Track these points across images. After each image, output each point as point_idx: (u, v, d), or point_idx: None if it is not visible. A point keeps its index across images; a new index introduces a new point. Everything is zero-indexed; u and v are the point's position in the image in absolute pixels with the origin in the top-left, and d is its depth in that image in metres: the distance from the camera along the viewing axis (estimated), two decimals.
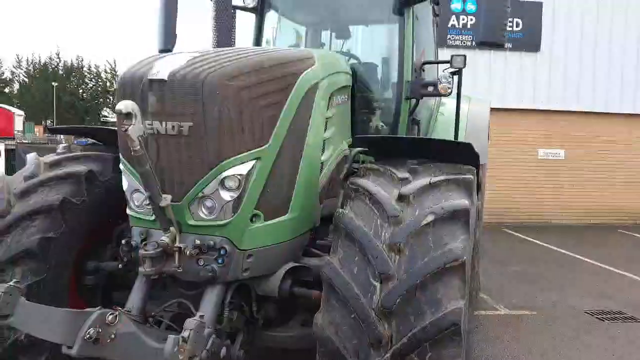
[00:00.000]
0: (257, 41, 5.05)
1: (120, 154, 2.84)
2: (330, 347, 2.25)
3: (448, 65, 4.57)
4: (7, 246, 2.94)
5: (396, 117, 4.46)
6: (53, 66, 55.54)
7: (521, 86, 12.52)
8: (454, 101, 5.71)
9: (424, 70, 4.75)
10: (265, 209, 2.77)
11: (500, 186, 12.55)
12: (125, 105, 2.22)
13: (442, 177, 2.62)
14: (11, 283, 2.43)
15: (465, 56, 4.24)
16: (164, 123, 2.53)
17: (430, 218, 2.37)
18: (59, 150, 3.59)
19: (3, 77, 55.07)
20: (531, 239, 10.93)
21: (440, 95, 4.27)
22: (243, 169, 2.60)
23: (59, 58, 55.83)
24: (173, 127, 2.53)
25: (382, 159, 3.17)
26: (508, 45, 12.15)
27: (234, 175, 2.59)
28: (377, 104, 4.67)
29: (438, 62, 4.53)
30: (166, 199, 2.51)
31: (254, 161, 2.65)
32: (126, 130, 2.21)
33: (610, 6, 12.48)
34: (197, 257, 2.64)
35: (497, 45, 3.89)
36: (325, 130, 3.43)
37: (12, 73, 55.76)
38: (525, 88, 12.53)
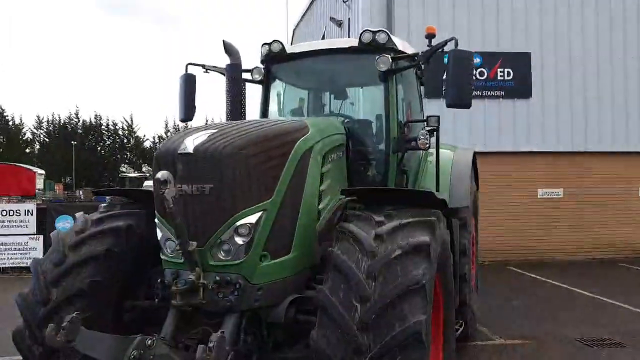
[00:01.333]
0: (264, 109, 5.86)
1: (155, 211, 3.57)
2: (323, 355, 2.88)
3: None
4: (63, 289, 3.67)
5: (386, 169, 5.17)
6: (72, 125, 57.99)
7: (516, 130, 13.27)
8: (445, 152, 6.47)
9: (408, 127, 5.47)
10: (272, 250, 3.47)
11: (503, 226, 13.11)
12: (162, 174, 2.99)
13: (409, 220, 3.30)
14: (74, 315, 3.14)
15: (438, 117, 5.00)
16: (190, 185, 3.29)
17: (398, 252, 3.04)
18: (101, 209, 4.35)
19: (25, 138, 57.54)
20: (533, 275, 11.34)
21: (419, 149, 4.99)
22: (253, 218, 3.33)
23: (77, 118, 58.39)
24: (197, 188, 3.28)
25: (371, 205, 3.85)
26: (501, 93, 13.03)
27: (245, 224, 3.32)
28: (371, 156, 5.39)
29: (417, 121, 5.29)
30: (192, 245, 3.21)
31: (261, 212, 3.38)
32: (163, 193, 2.96)
33: (595, 56, 13.35)
34: (217, 291, 3.31)
35: (465, 107, 4.64)
36: (321, 183, 4.16)
37: (33, 134, 58.35)
38: (520, 132, 13.27)
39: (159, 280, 3.59)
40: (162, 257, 3.58)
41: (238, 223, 3.31)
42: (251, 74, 5.71)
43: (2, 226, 11.20)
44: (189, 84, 5.65)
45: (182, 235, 3.18)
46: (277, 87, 5.97)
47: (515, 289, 10.01)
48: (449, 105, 4.67)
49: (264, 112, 5.87)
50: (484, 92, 12.83)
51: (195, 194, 3.29)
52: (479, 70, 12.73)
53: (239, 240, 3.32)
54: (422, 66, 6.06)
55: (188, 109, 5.63)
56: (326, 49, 5.47)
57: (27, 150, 56.93)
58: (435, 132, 5.15)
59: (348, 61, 5.52)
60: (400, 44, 5.32)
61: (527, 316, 7.77)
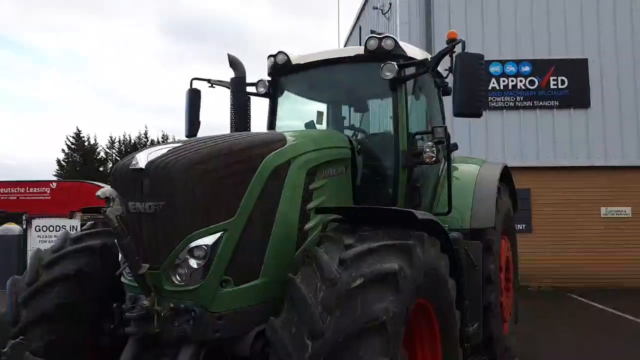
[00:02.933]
0: (271, 123, 5.60)
1: None
2: None
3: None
4: (32, 310, 3.50)
5: (395, 185, 4.74)
6: (141, 144, 60.98)
7: (573, 143, 12.23)
8: (470, 167, 5.92)
9: (420, 140, 4.99)
10: (235, 275, 3.12)
11: (562, 248, 12.04)
12: (102, 191, 2.77)
13: (380, 243, 2.86)
14: (17, 340, 2.95)
15: (445, 127, 4.49)
16: (143, 203, 3.03)
17: (359, 281, 2.61)
18: (84, 227, 4.22)
19: (99, 158, 61.24)
20: (596, 304, 10.23)
21: (425, 163, 4.52)
22: (209, 239, 3.01)
23: (146, 137, 61.40)
24: (150, 206, 3.01)
25: (354, 225, 3.45)
26: (555, 103, 12.08)
27: (200, 245, 3.00)
28: (380, 171, 4.98)
29: (422, 133, 4.81)
30: (144, 268, 2.95)
31: (220, 233, 3.05)
32: (104, 212, 2.72)
33: None
34: (172, 319, 3.01)
35: (473, 115, 4.14)
36: (309, 200, 3.80)
37: (106, 153, 61.97)
38: (578, 145, 12.22)
39: (115, 304, 3.35)
40: (123, 279, 3.35)
41: (192, 244, 3.00)
42: (256, 87, 5.48)
43: (43, 241, 11.56)
44: (193, 99, 5.51)
45: (129, 257, 2.93)
46: (286, 100, 5.71)
47: (572, 320, 9.03)
48: (456, 114, 4.18)
49: (271, 126, 5.62)
50: (534, 102, 11.95)
51: (148, 212, 3.03)
52: (528, 79, 11.90)
53: (194, 263, 3.01)
54: (442, 74, 5.62)
55: (192, 125, 5.48)
56: (332, 59, 5.14)
57: (101, 169, 60.49)
58: (444, 145, 4.62)
59: (355, 70, 5.16)
60: (410, 50, 4.90)
61: (576, 353, 6.90)
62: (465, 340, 4.18)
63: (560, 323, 8.58)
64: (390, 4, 13.11)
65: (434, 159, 4.46)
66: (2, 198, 23.66)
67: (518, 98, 11.97)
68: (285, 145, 3.59)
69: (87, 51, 69.36)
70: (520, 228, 11.71)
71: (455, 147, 5.87)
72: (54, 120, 68.03)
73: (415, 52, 4.97)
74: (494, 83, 11.96)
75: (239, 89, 5.37)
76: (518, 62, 11.98)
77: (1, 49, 67.95)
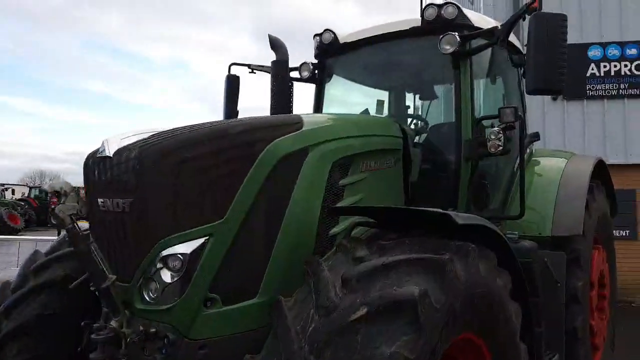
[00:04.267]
0: (317, 112, 5.00)
1: None
2: None
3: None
4: (13, 320, 3.09)
5: (455, 182, 3.96)
6: None
7: None
8: (555, 161, 4.97)
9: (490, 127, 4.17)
10: (224, 292, 2.50)
11: None
12: (51, 185, 2.27)
13: (401, 257, 2.12)
14: None
15: (515, 108, 3.60)
16: (111, 200, 2.52)
17: (362, 311, 1.90)
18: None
19: None
20: None
21: (491, 154, 3.68)
22: (187, 246, 2.41)
23: None
24: (118, 203, 2.49)
25: (394, 230, 2.76)
26: None
27: (175, 254, 2.41)
28: (439, 165, 4.22)
29: (488, 118, 3.93)
30: (110, 280, 2.44)
31: (204, 238, 2.45)
32: (53, 209, 2.25)
33: None
34: (142, 345, 2.45)
35: (553, 92, 3.26)
36: (340, 198, 3.16)
37: None
38: None
39: (83, 322, 2.86)
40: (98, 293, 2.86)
41: (164, 253, 2.41)
42: (299, 72, 4.90)
43: None
44: (232, 86, 5.04)
45: (90, 266, 2.43)
46: (337, 85, 5.07)
47: None
48: (530, 92, 3.33)
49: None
50: None
51: (116, 211, 2.50)
52: (635, 63, 10.24)
53: (168, 276, 2.42)
54: (520, 49, 4.71)
55: (230, 114, 5.01)
56: (386, 34, 4.41)
57: None
58: (516, 131, 3.73)
59: (413, 47, 4.40)
60: (477, 18, 4.07)
61: None
62: None
63: None
64: None
65: (501, 147, 3.61)
66: None
67: (622, 86, 10.36)
68: (302, 129, 2.91)
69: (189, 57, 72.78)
70: (623, 235, 10.17)
71: (536, 137, 4.95)
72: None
73: (484, 20, 4.13)
74: (593, 69, 10.44)
75: (280, 72, 4.83)
76: (622, 45, 10.38)
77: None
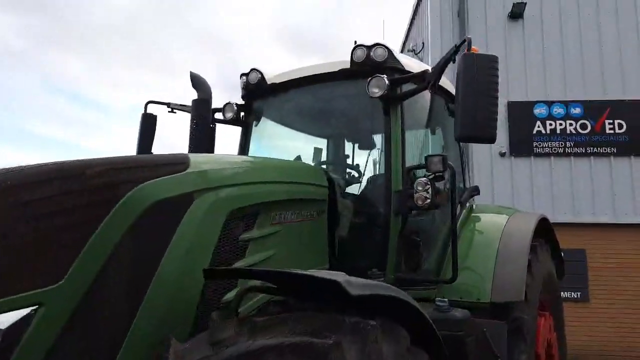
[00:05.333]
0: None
1: None
2: None
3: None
4: None
5: (384, 238, 3.52)
6: None
7: (637, 196, 10.45)
8: (495, 217, 4.64)
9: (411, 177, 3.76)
10: None
11: (629, 323, 10.07)
12: None
13: (270, 342, 1.60)
14: None
15: (443, 156, 3.22)
16: None
17: None
18: None
19: None
20: None
21: (418, 208, 3.27)
22: (2, 319, 1.80)
23: None
24: None
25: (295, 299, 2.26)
26: (612, 149, 10.46)
27: None
28: (371, 220, 3.79)
29: (416, 168, 3.56)
30: None
31: (33, 307, 1.86)
32: None
33: None
34: None
35: (484, 140, 2.90)
36: (242, 256, 2.64)
37: None
38: None
39: None
40: None
41: None
42: (222, 113, 4.48)
43: None
44: (147, 124, 4.56)
45: None
46: (265, 129, 4.66)
47: None
48: (459, 138, 3.00)
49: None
50: (588, 148, 10.38)
51: None
52: (579, 122, 10.40)
53: None
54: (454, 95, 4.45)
55: (141, 152, 4.50)
56: (314, 76, 4.07)
57: None
58: (443, 181, 3.35)
59: (342, 90, 4.07)
60: (408, 62, 3.78)
61: None
62: None
63: None
64: (423, 43, 12.18)
65: (428, 200, 3.20)
66: None
67: (568, 144, 10.46)
68: (186, 171, 2.40)
69: None
70: (574, 296, 9.94)
71: (475, 191, 4.62)
72: None
73: (416, 64, 3.84)
74: (539, 126, 10.52)
75: (202, 112, 4.38)
76: (567, 104, 10.56)
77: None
